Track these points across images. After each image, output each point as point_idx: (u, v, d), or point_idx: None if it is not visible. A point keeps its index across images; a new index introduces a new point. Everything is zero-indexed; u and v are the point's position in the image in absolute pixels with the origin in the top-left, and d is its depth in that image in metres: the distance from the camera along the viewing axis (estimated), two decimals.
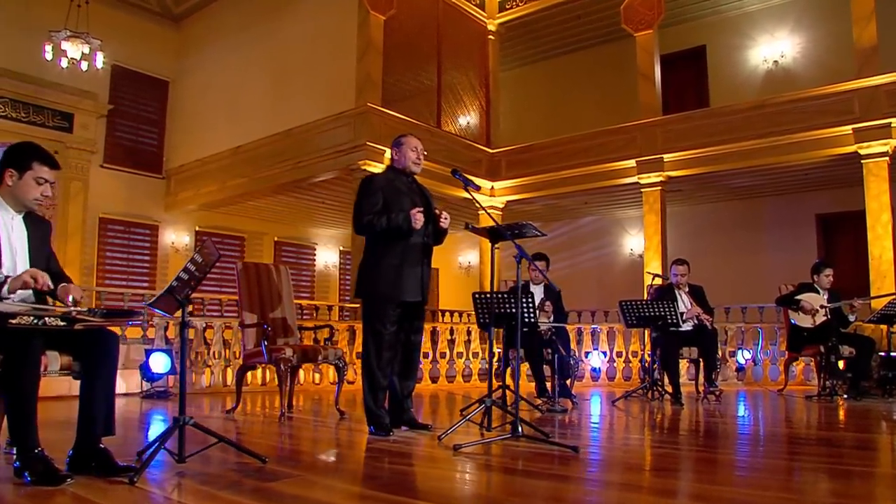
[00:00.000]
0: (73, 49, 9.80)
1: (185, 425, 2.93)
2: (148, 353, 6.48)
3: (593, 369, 9.05)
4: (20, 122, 11.48)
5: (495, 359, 8.72)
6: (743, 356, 8.62)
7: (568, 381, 6.19)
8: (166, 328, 7.19)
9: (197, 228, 14.04)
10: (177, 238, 13.65)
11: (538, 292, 6.45)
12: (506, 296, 5.36)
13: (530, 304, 5.33)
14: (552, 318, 6.29)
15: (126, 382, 6.73)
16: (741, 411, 5.82)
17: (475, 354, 9.09)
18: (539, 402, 5.77)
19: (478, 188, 4.03)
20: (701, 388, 6.55)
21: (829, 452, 3.56)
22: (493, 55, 12.95)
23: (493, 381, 4.30)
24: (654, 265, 10.00)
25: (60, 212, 11.80)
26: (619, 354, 9.08)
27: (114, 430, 2.84)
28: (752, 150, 9.69)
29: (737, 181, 10.93)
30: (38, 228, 3.05)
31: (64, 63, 10.05)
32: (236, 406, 5.15)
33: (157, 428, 4.52)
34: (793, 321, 6.88)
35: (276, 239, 15.26)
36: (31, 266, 2.97)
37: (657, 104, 10.70)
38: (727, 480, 2.84)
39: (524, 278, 6.92)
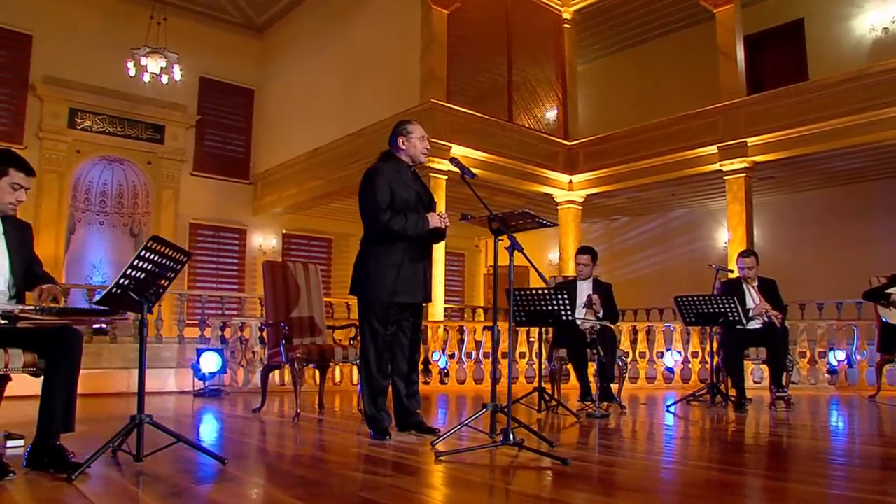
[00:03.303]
0: (153, 64, 10.35)
1: (143, 423, 2.91)
2: (199, 351, 6.67)
3: (667, 369, 8.46)
4: (117, 136, 12.32)
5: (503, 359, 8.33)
6: (835, 357, 7.73)
7: (615, 385, 5.77)
8: (223, 328, 7.38)
9: (284, 231, 14.50)
10: (264, 241, 14.14)
11: (585, 288, 6.05)
12: (541, 293, 5.07)
13: (565, 302, 5.00)
14: (601, 314, 5.87)
15: (180, 381, 6.97)
16: (814, 421, 5.16)
17: (538, 355, 8.72)
18: (580, 406, 5.42)
19: (474, 176, 3.76)
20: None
21: None
22: (570, 44, 12.47)
23: (504, 383, 4.00)
24: None
25: (154, 219, 12.55)
26: (695, 355, 8.42)
27: (72, 427, 2.85)
28: (849, 127, 8.67)
29: (836, 164, 9.88)
30: (16, 231, 3.12)
31: (146, 78, 10.64)
32: (262, 406, 5.16)
33: (205, 427, 4.56)
34: (884, 319, 6.09)
35: None
36: (14, 270, 3.07)
37: (740, 85, 9.86)
38: None
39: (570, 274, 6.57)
